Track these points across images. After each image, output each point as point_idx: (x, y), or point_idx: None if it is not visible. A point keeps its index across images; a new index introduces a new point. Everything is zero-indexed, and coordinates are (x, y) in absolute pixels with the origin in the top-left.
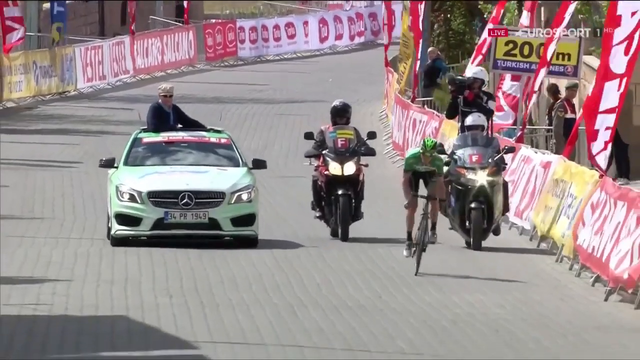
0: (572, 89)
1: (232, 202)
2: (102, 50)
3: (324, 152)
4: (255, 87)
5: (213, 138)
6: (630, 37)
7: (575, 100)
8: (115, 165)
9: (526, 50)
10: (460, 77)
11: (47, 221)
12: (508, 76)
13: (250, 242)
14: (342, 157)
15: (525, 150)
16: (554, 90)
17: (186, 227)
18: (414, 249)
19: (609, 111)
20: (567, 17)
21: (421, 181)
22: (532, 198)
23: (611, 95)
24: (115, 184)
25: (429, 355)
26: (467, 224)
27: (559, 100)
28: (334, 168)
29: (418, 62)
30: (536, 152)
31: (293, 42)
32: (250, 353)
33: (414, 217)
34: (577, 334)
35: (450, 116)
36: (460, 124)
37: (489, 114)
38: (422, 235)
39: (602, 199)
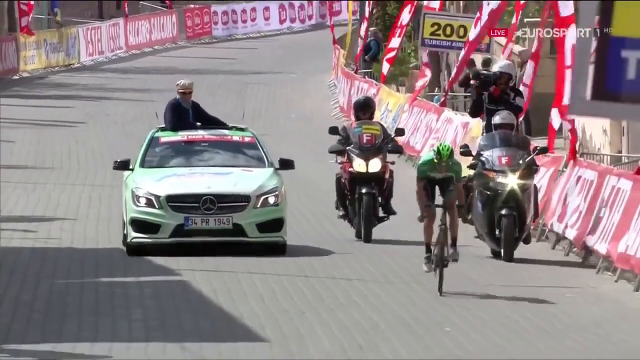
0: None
1: (258, 206)
2: (101, 30)
3: (348, 148)
4: (226, 61)
5: (236, 136)
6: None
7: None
8: (131, 167)
9: (448, 31)
10: (485, 72)
11: (56, 171)
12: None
13: (278, 249)
14: (367, 153)
15: (447, 112)
16: (471, 63)
17: (208, 233)
18: (434, 264)
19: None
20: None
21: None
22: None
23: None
24: (130, 188)
25: None
26: (496, 232)
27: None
28: (359, 165)
29: (360, 41)
30: (456, 114)
31: (256, 23)
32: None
33: (433, 227)
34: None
35: (474, 114)
36: (485, 122)
37: (517, 111)
38: (442, 251)
39: None
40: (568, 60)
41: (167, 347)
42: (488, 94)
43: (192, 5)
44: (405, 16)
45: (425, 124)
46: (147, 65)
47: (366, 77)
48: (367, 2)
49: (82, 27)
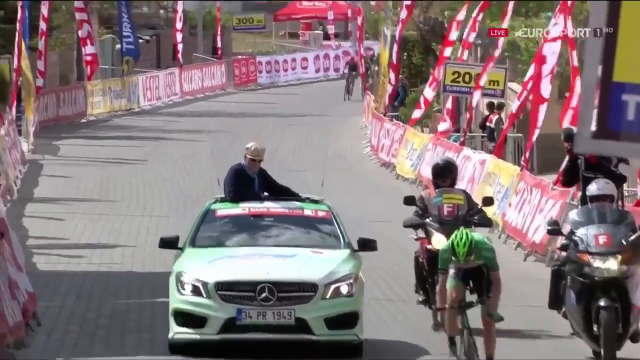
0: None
1: (327, 296)
2: (158, 78)
3: (426, 221)
4: (269, 105)
5: (308, 210)
6: (552, 71)
7: (503, 114)
8: (180, 245)
9: (467, 78)
10: None
11: (118, 203)
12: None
13: (353, 351)
14: (448, 227)
15: (466, 151)
16: (491, 106)
17: (266, 329)
18: None
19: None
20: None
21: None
22: (472, 186)
23: (541, 114)
24: (176, 272)
25: None
26: (594, 328)
27: (497, 116)
28: (438, 241)
29: (390, 87)
30: (474, 153)
31: (296, 72)
32: None
33: (457, 318)
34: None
35: (568, 182)
36: (581, 193)
37: (619, 180)
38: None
39: (522, 186)
40: (574, 103)
41: None
42: (585, 159)
43: (239, 57)
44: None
45: None
46: (199, 109)
47: (394, 119)
48: (394, 52)
49: (142, 76)
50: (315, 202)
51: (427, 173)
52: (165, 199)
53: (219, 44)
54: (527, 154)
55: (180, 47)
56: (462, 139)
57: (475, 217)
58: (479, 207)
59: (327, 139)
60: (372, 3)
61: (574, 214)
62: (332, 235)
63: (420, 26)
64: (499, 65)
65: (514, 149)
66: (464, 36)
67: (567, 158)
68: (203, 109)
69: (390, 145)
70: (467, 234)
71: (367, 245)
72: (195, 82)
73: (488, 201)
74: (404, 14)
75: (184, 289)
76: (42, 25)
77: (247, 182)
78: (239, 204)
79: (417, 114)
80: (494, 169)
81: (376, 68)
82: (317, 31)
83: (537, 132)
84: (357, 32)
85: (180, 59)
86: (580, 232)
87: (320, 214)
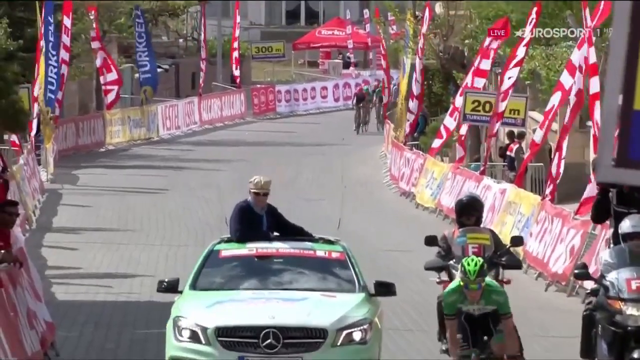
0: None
1: (339, 343)
2: (177, 107)
3: (450, 263)
4: (288, 134)
5: (321, 251)
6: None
7: (523, 144)
8: (180, 289)
9: (487, 107)
10: None
11: (137, 232)
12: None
13: None
14: None
15: (486, 180)
16: (511, 135)
17: None
18: None
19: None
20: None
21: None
22: (493, 215)
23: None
24: (173, 316)
25: None
26: None
27: (518, 145)
28: None
29: (411, 116)
30: (494, 182)
31: (315, 101)
32: None
33: None
34: (522, 314)
35: (598, 218)
36: (612, 230)
37: None
38: None
39: (542, 216)
40: (596, 132)
41: None
42: (617, 192)
43: (258, 85)
44: (459, 100)
45: (466, 190)
46: (218, 138)
47: (414, 148)
48: (414, 81)
49: (161, 105)
50: (330, 242)
51: (446, 202)
52: (184, 228)
53: (237, 73)
54: (551, 184)
55: (200, 76)
56: (482, 168)
57: (503, 259)
58: (507, 247)
59: (347, 168)
60: (391, 31)
61: (606, 255)
62: (347, 278)
63: (440, 55)
64: (520, 94)
65: (535, 178)
66: (478, 64)
67: (588, 186)
68: (222, 138)
69: (410, 175)
70: (477, 259)
71: (384, 289)
72: (214, 111)
73: (517, 241)
74: (421, 42)
75: (181, 334)
76: (63, 54)
77: (255, 220)
78: (245, 244)
79: (437, 143)
80: (515, 198)
81: (375, 99)
82: (336, 60)
83: (562, 162)
84: (377, 60)
85: (200, 88)
86: (611, 276)
87: (334, 255)
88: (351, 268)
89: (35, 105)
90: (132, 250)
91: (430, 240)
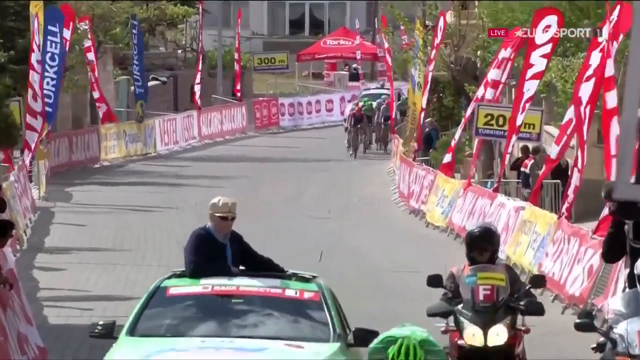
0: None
1: None
2: (176, 121)
3: (456, 308)
4: (291, 149)
5: (291, 290)
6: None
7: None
8: (115, 334)
9: (501, 121)
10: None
11: (133, 252)
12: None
13: None
14: (485, 316)
15: (500, 198)
16: (525, 150)
17: None
18: None
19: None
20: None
21: None
22: (507, 235)
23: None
24: None
25: None
26: None
27: (532, 161)
28: (472, 335)
29: (419, 129)
30: (508, 199)
31: (320, 115)
32: None
33: None
34: (538, 338)
35: (610, 256)
36: (627, 270)
37: None
38: None
39: (559, 235)
40: (613, 150)
41: None
42: (634, 224)
43: (260, 98)
44: (469, 111)
45: (479, 208)
46: (218, 154)
47: (423, 164)
48: (424, 95)
49: (158, 118)
50: (304, 279)
51: (458, 221)
52: (182, 248)
53: (239, 85)
54: (567, 201)
55: (198, 88)
56: (495, 185)
57: (522, 303)
58: (527, 288)
59: (353, 184)
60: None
61: (616, 302)
62: (320, 323)
63: (451, 66)
64: (535, 107)
65: (552, 196)
66: (491, 74)
67: (607, 211)
68: (222, 154)
69: (420, 192)
70: (417, 343)
71: (365, 338)
72: (214, 125)
73: (538, 282)
74: (433, 53)
75: None
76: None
77: (215, 250)
78: (199, 280)
79: (448, 158)
80: (530, 216)
81: (380, 117)
82: (342, 71)
83: (576, 176)
84: (387, 72)
85: (199, 101)
86: (621, 327)
87: (307, 295)
88: (326, 311)
89: (33, 119)
90: (128, 272)
91: (434, 281)
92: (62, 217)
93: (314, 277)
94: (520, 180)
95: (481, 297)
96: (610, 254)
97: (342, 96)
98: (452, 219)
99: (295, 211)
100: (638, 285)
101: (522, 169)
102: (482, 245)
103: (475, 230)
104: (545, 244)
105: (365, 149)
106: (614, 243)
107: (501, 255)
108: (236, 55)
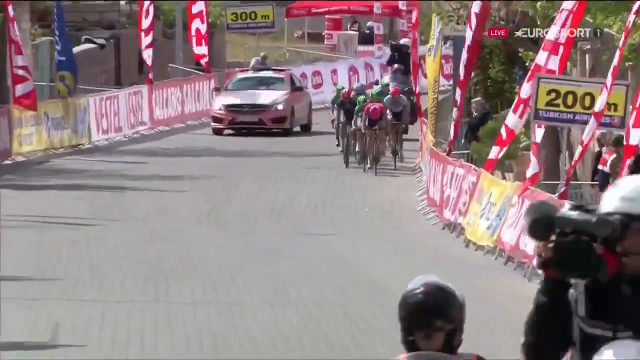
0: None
1: None
2: (118, 100)
3: None
4: (279, 140)
5: None
6: None
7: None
8: None
9: (570, 100)
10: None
11: (60, 282)
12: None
13: None
14: None
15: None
16: (605, 140)
17: None
18: None
19: None
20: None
21: None
22: None
23: None
24: None
25: None
26: None
27: (614, 155)
28: None
29: (455, 112)
30: None
31: (320, 91)
32: None
33: None
34: None
35: (542, 353)
36: None
37: None
38: None
39: None
40: None
41: None
42: (591, 291)
43: (236, 69)
44: (526, 89)
45: None
46: (177, 146)
47: (462, 160)
48: (461, 64)
49: (93, 96)
50: None
51: (509, 239)
52: (128, 275)
53: (204, 51)
54: None
55: (149, 54)
56: (562, 189)
57: None
58: None
59: (363, 188)
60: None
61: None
62: None
63: (501, 25)
64: (618, 81)
65: None
66: (554, 35)
67: None
68: (184, 145)
69: (457, 198)
70: None
71: None
72: (172, 105)
73: None
74: (476, 5)
75: None
76: None
77: None
78: None
79: (495, 151)
80: None
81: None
82: (349, 31)
83: None
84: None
85: (150, 73)
86: None
87: None
88: None
89: None
90: (53, 309)
91: None
92: None
93: None
94: (597, 182)
95: None
96: (541, 347)
97: (351, 65)
98: (501, 236)
99: (287, 227)
100: None
101: (600, 166)
102: (428, 319)
103: (417, 292)
104: None
105: (376, 162)
106: (548, 325)
107: None
108: (202, 8)
